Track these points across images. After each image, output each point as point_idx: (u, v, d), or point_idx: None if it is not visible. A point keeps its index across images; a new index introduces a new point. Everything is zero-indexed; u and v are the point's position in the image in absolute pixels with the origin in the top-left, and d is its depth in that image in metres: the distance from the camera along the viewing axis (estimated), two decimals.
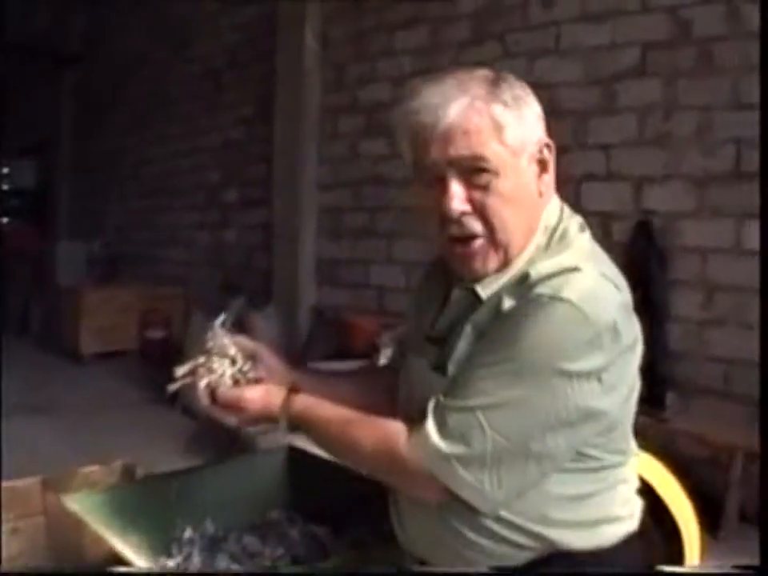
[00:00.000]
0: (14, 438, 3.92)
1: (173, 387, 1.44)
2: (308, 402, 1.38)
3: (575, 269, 1.20)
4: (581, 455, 1.25)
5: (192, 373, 1.44)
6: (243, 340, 1.51)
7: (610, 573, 1.23)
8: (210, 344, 1.46)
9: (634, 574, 1.25)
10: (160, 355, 6.79)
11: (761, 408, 2.12)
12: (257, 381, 1.45)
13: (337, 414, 1.36)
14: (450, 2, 4.86)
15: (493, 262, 1.29)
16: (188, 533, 1.58)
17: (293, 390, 1.40)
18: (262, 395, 1.41)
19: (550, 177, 1.32)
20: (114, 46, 8.84)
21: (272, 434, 3.62)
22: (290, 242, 5.92)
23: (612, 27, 4.00)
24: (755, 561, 2.74)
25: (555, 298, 1.17)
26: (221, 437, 4.22)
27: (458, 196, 1.26)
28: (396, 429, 1.28)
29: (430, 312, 1.42)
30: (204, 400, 1.43)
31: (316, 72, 5.79)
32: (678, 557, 1.99)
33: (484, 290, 1.29)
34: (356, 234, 5.59)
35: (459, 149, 1.24)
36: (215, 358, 1.45)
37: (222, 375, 1.43)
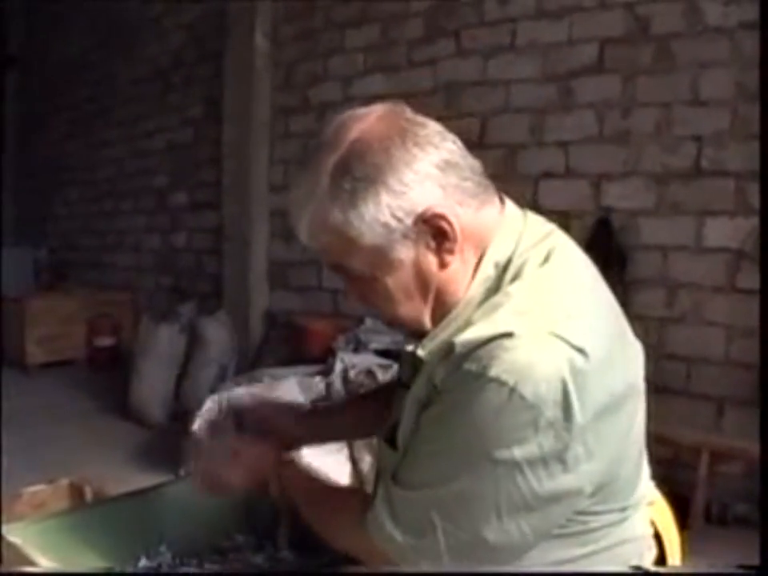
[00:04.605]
0: None
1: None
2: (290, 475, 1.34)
3: (506, 335, 1.01)
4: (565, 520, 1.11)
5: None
6: (245, 399, 1.47)
7: (610, 573, 1.14)
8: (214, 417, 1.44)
9: (634, 574, 1.16)
10: (109, 363, 6.67)
11: (761, 407, 2.09)
12: None
13: (311, 496, 1.31)
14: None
15: (417, 330, 1.17)
16: (142, 561, 1.47)
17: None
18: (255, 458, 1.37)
19: (457, 241, 1.10)
20: (56, 49, 8.62)
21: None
22: (241, 246, 5.80)
23: (569, 24, 3.95)
24: (721, 561, 2.73)
25: (483, 378, 0.99)
26: (173, 447, 4.12)
27: (350, 295, 1.19)
28: (359, 507, 1.18)
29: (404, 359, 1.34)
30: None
31: (266, 72, 5.67)
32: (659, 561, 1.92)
33: (426, 352, 1.14)
34: None
35: (325, 259, 1.15)
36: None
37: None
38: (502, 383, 0.98)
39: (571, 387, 0.99)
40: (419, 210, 1.06)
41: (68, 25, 8.37)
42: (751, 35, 3.31)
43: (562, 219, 4.21)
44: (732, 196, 3.46)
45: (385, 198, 1.05)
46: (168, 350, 5.20)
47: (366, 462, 3.50)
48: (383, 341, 4.27)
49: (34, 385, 6.16)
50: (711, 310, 3.54)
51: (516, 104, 4.09)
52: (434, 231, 1.08)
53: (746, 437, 3.26)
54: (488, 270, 1.13)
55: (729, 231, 3.48)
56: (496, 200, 1.17)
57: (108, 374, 6.38)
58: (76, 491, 2.33)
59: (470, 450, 1.02)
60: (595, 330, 1.07)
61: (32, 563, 1.24)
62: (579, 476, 1.04)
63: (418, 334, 1.16)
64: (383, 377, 3.91)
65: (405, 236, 1.07)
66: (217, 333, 5.23)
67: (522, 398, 0.97)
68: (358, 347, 4.25)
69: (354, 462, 3.57)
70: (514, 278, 1.10)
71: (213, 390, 4.30)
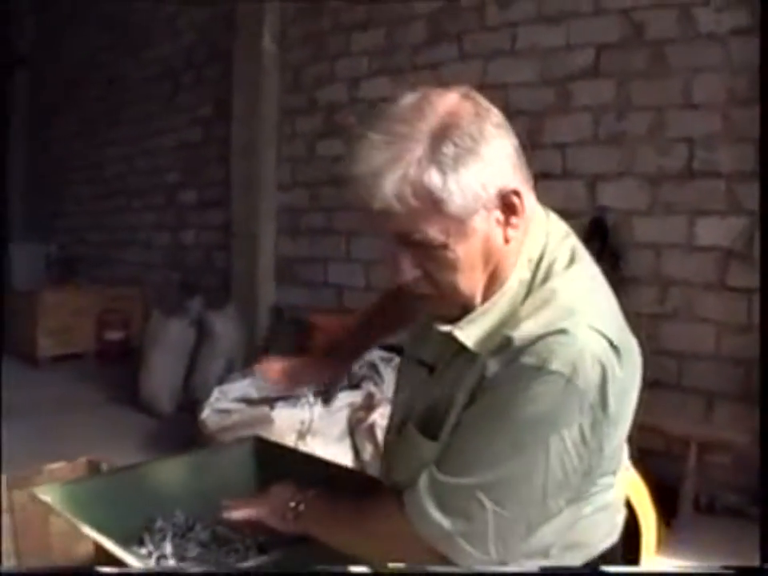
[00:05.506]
0: None
1: None
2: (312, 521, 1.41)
3: (561, 331, 1.12)
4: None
5: None
6: None
7: (608, 572, 1.25)
8: None
9: (631, 573, 1.29)
10: (118, 356, 6.79)
11: (761, 406, 2.16)
12: None
13: (337, 520, 1.37)
14: (406, 3, 4.88)
15: (455, 311, 1.24)
16: (159, 522, 1.60)
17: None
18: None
19: (523, 217, 1.19)
20: (66, 48, 8.76)
21: (233, 432, 3.63)
22: (249, 242, 5.92)
23: (566, 28, 4.06)
24: (710, 550, 2.82)
25: (543, 370, 1.10)
26: (181, 435, 4.22)
27: (404, 267, 1.19)
28: (391, 509, 1.26)
29: (423, 337, 1.41)
30: None
31: (274, 73, 5.80)
32: (634, 547, 2.03)
33: (466, 336, 1.22)
34: (315, 233, 5.61)
35: (397, 226, 1.15)
36: None
37: None
38: (560, 375, 1.09)
39: (609, 375, 1.12)
40: (501, 183, 1.14)
41: (78, 25, 8.51)
42: (742, 41, 3.42)
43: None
44: (723, 196, 3.56)
45: (480, 167, 1.12)
46: (177, 343, 5.31)
47: (368, 451, 3.61)
48: None
49: (45, 377, 6.27)
50: (702, 307, 3.64)
51: (515, 106, 4.15)
52: (506, 206, 1.17)
53: (734, 429, 3.36)
54: (523, 264, 1.22)
55: (720, 230, 3.57)
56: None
57: (118, 366, 6.49)
58: (94, 468, 2.46)
59: (529, 434, 1.12)
60: (617, 325, 1.21)
61: (59, 516, 1.36)
62: (606, 453, 1.19)
63: (449, 318, 1.24)
64: (385, 370, 4.02)
65: (485, 206, 1.14)
66: (225, 327, 5.33)
67: (576, 385, 1.10)
68: None
69: (357, 451, 3.68)
70: (546, 274, 1.21)
71: (220, 382, 4.42)
